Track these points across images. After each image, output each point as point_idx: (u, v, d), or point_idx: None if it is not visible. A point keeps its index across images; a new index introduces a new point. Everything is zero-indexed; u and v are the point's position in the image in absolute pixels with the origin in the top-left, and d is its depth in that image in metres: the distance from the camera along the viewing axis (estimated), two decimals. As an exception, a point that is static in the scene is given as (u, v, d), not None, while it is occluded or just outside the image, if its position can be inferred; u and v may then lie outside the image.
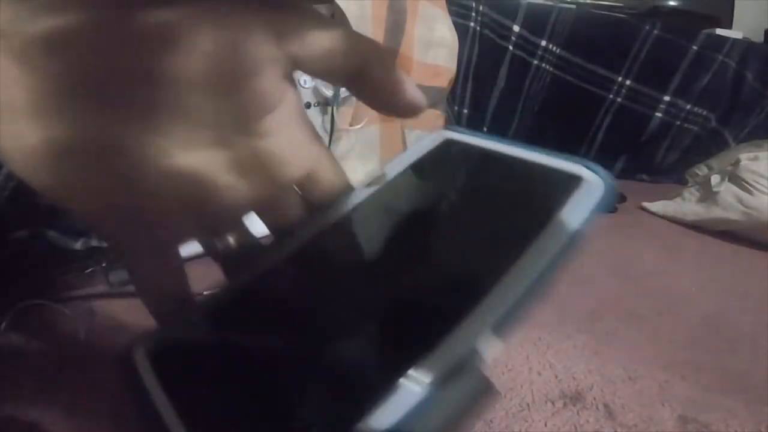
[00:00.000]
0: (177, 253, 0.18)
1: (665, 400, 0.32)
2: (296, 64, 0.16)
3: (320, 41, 0.16)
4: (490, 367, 0.12)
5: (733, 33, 0.90)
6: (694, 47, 0.86)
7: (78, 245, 0.42)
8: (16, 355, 0.33)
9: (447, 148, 0.20)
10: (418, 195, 0.19)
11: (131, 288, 0.41)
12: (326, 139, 0.65)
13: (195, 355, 0.15)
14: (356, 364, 0.13)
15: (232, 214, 0.17)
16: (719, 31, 0.89)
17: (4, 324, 0.34)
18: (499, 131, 0.94)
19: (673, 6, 0.98)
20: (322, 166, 0.19)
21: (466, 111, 0.93)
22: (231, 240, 0.19)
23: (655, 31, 0.86)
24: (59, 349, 0.33)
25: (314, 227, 0.19)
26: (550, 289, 0.13)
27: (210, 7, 0.14)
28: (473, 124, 0.93)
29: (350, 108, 0.66)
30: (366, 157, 0.64)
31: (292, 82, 0.17)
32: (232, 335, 0.15)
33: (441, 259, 0.16)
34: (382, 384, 0.11)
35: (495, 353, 0.11)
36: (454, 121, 0.92)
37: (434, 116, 0.81)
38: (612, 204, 0.16)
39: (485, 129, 0.94)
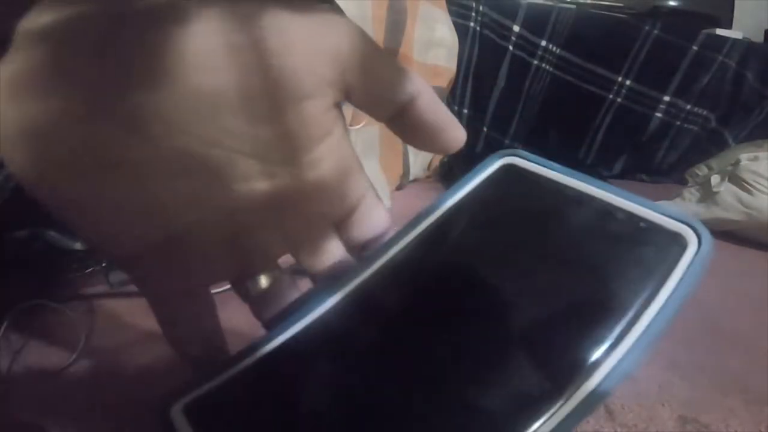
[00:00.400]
0: (209, 295, 0.16)
1: (665, 400, 0.32)
2: (348, 92, 0.15)
3: (377, 71, 0.15)
4: None
5: (733, 33, 0.90)
6: (694, 47, 0.86)
7: (78, 245, 0.42)
8: (17, 355, 0.33)
9: (510, 179, 0.17)
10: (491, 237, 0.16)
11: (131, 288, 0.41)
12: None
13: (238, 410, 0.14)
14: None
15: (271, 254, 0.16)
16: (719, 31, 0.89)
17: (4, 324, 0.34)
18: (499, 131, 0.94)
19: (673, 6, 0.98)
20: (366, 201, 0.17)
21: (466, 111, 0.93)
22: (264, 282, 0.17)
23: (655, 31, 0.86)
24: (59, 350, 0.33)
25: (359, 275, 0.16)
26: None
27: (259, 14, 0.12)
28: (473, 124, 0.93)
29: (350, 108, 0.66)
30: (366, 157, 0.64)
31: (341, 112, 0.16)
32: (278, 391, 0.14)
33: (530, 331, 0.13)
34: None
35: None
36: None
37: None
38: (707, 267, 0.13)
39: (485, 129, 0.94)
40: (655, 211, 0.14)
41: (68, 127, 0.12)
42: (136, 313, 0.37)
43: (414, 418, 0.12)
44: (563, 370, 0.12)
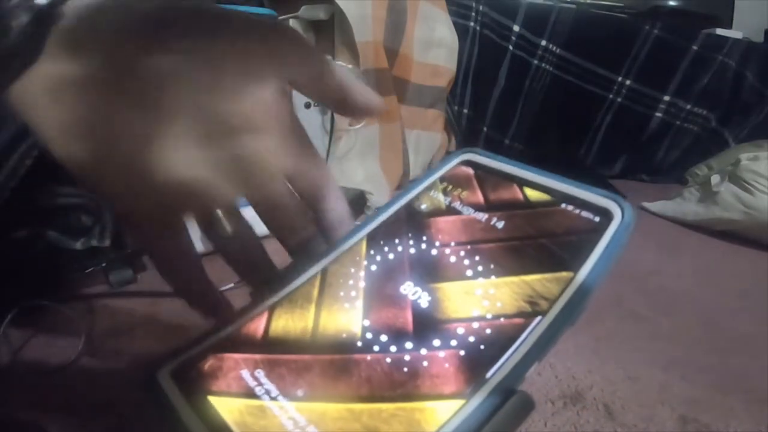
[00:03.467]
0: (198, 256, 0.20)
1: (665, 400, 0.32)
2: (292, 84, 0.19)
3: (311, 69, 0.19)
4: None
5: (733, 33, 0.90)
6: (694, 47, 0.86)
7: (78, 245, 0.42)
8: (17, 355, 0.33)
9: (468, 168, 0.20)
10: (440, 219, 0.19)
11: (131, 288, 0.41)
12: (326, 139, 0.65)
13: (222, 372, 0.15)
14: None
15: (220, 201, 0.18)
16: (719, 31, 0.89)
17: (4, 324, 0.34)
18: (499, 131, 0.94)
19: (673, 6, 0.98)
20: (304, 163, 0.20)
21: (466, 111, 0.93)
22: (229, 228, 0.20)
23: (655, 31, 0.86)
24: (59, 350, 0.33)
25: (335, 248, 0.19)
26: (579, 318, 0.15)
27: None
28: (473, 124, 0.93)
29: (350, 108, 0.66)
30: (366, 157, 0.64)
31: (285, 94, 0.18)
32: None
33: (475, 292, 0.16)
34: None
35: (531, 373, 0.13)
36: (454, 121, 0.92)
37: (434, 116, 0.81)
38: (628, 238, 0.16)
39: (485, 129, 0.94)
40: (588, 191, 0.17)
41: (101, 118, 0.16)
42: (136, 313, 0.37)
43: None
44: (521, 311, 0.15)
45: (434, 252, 0.17)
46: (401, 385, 0.13)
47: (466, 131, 0.94)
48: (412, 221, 0.19)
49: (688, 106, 0.88)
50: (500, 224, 0.17)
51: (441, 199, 0.19)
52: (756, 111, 0.90)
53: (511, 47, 0.88)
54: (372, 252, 0.18)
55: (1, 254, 0.37)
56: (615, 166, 0.95)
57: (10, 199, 0.33)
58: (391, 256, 0.18)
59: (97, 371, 0.32)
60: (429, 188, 0.20)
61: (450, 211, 0.19)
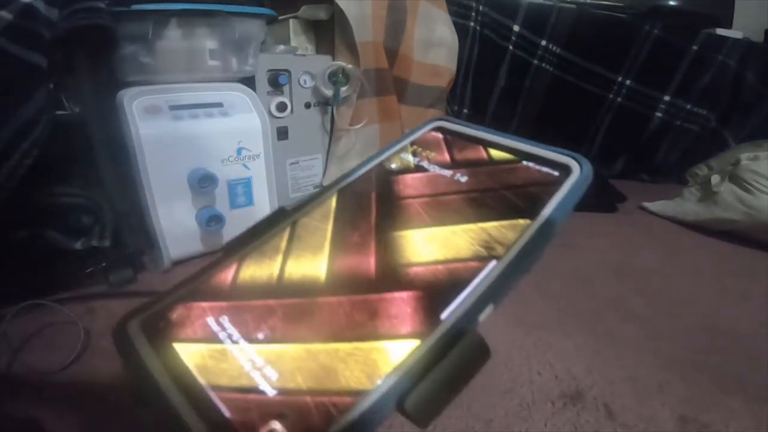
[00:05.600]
0: None
1: (665, 400, 0.32)
2: None
3: None
4: (485, 334, 0.13)
5: (733, 33, 0.90)
6: (694, 47, 0.86)
7: (78, 245, 0.42)
8: (16, 355, 0.33)
9: (438, 133, 0.21)
10: (407, 176, 0.20)
11: (131, 288, 0.41)
12: (327, 139, 0.65)
13: (188, 323, 0.15)
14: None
15: None
16: (719, 31, 0.89)
17: (4, 323, 0.34)
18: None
19: (673, 6, 0.98)
20: None
21: (466, 111, 0.93)
22: None
23: (655, 31, 0.86)
24: (59, 349, 0.33)
25: (306, 203, 0.19)
26: (535, 266, 0.15)
27: None
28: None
29: (350, 108, 0.66)
30: (366, 156, 0.64)
31: None
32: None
33: (434, 239, 0.16)
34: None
35: (486, 317, 0.14)
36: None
37: (434, 116, 0.81)
38: (585, 189, 0.17)
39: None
40: (549, 150, 0.18)
41: None
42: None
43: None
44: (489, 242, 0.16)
45: (399, 204, 0.18)
46: (360, 326, 0.14)
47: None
48: (381, 179, 0.20)
49: (688, 106, 0.88)
50: (463, 179, 0.18)
51: (410, 159, 0.20)
52: (756, 111, 0.90)
53: (511, 47, 0.88)
54: (341, 206, 0.19)
55: (1, 254, 0.37)
56: (615, 166, 0.95)
57: (10, 199, 0.33)
58: (358, 209, 0.18)
59: (97, 371, 0.32)
60: (400, 151, 0.21)
61: (417, 169, 0.20)
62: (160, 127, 0.43)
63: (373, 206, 0.18)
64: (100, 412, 0.28)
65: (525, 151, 0.18)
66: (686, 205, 0.72)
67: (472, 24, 0.86)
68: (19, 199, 0.34)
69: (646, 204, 0.76)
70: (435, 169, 0.19)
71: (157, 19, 0.42)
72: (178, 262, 0.47)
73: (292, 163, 0.63)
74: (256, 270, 0.17)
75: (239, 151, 0.48)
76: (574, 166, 0.17)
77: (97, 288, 0.41)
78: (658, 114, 0.89)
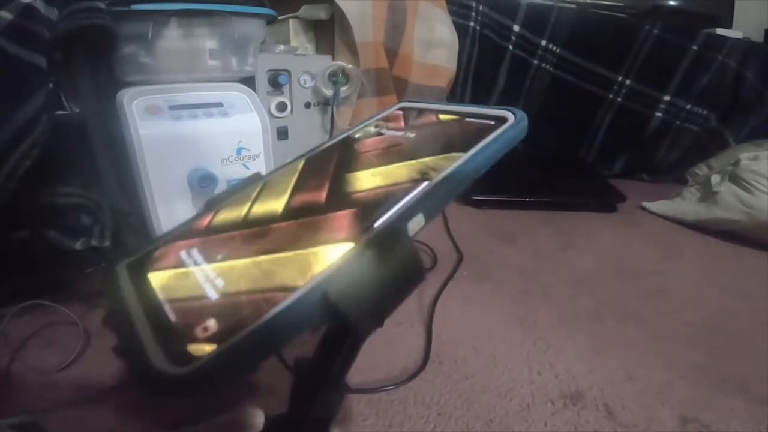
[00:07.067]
0: None
1: (665, 400, 0.32)
2: None
3: None
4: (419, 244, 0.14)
5: (733, 33, 0.90)
6: (694, 47, 0.86)
7: (78, 245, 0.42)
8: (16, 355, 0.33)
9: (399, 112, 0.24)
10: (366, 140, 0.23)
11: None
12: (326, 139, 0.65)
13: (168, 264, 0.17)
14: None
15: None
16: (719, 31, 0.89)
17: (4, 323, 0.34)
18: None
19: (673, 6, 0.98)
20: None
21: (466, 111, 0.93)
22: None
23: (655, 31, 0.86)
24: (59, 349, 0.33)
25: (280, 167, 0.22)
26: (462, 189, 0.17)
27: None
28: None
29: (350, 108, 0.66)
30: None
31: None
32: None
33: (379, 173, 0.19)
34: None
35: (418, 227, 0.15)
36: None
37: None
38: (520, 132, 0.19)
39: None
40: (490, 108, 0.21)
41: None
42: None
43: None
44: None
45: (355, 157, 0.21)
46: (304, 239, 0.15)
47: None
48: (344, 146, 0.23)
49: (688, 106, 0.88)
50: (412, 135, 0.22)
51: (372, 130, 0.23)
52: (756, 111, 0.90)
53: (511, 47, 0.88)
54: (307, 167, 0.22)
55: (1, 254, 0.37)
56: (615, 166, 0.95)
57: (10, 199, 0.33)
58: (321, 166, 0.21)
59: (97, 371, 0.32)
60: (364, 127, 0.24)
61: (376, 134, 0.23)
62: (160, 127, 0.43)
63: (333, 162, 0.21)
64: (99, 411, 0.28)
65: (469, 111, 0.22)
66: (686, 205, 0.72)
67: (472, 24, 0.86)
68: (19, 199, 0.34)
69: (646, 204, 0.76)
70: (390, 133, 0.23)
71: (157, 19, 0.42)
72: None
73: (292, 163, 0.63)
74: (228, 215, 0.19)
75: (239, 151, 0.48)
76: (509, 116, 0.20)
77: (97, 288, 0.41)
78: (658, 114, 0.89)
